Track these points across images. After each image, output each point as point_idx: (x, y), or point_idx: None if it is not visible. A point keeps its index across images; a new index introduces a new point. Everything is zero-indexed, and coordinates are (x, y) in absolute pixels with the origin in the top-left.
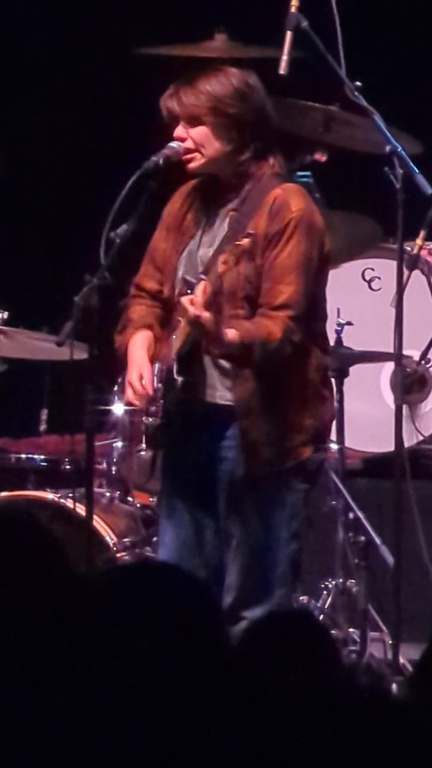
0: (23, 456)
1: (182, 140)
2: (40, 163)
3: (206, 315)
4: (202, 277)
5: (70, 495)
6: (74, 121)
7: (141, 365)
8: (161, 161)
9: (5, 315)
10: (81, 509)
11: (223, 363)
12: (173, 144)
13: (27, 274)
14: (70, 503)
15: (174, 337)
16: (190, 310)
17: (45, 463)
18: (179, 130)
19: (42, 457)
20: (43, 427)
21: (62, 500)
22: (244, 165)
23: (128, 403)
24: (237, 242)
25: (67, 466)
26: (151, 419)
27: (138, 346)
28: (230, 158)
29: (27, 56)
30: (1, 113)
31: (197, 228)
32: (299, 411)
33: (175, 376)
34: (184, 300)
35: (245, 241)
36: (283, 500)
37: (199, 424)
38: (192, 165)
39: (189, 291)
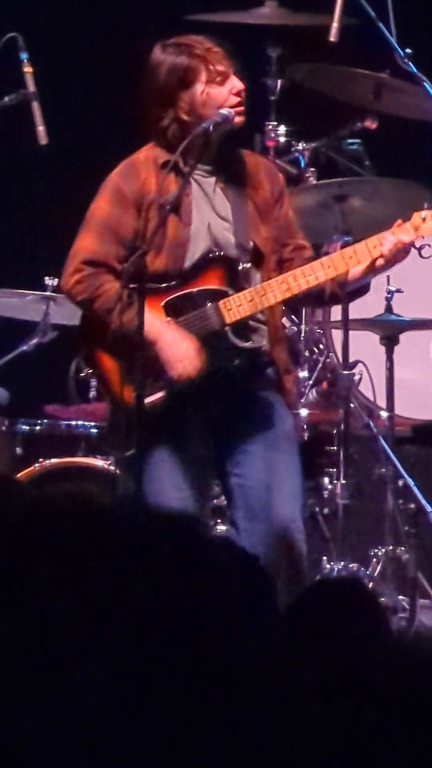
0: (74, 423)
1: (242, 93)
2: (86, 134)
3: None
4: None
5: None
6: (123, 89)
7: (188, 341)
8: (211, 128)
9: (55, 282)
10: None
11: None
12: (223, 111)
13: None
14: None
15: (219, 306)
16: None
17: (95, 431)
18: (239, 84)
19: (92, 424)
20: (92, 393)
21: (112, 467)
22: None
23: (181, 379)
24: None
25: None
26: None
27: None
28: None
29: (76, 25)
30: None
31: (186, 203)
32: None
33: (239, 345)
34: (410, 227)
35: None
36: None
37: (236, 381)
38: (240, 119)
39: (217, 257)
